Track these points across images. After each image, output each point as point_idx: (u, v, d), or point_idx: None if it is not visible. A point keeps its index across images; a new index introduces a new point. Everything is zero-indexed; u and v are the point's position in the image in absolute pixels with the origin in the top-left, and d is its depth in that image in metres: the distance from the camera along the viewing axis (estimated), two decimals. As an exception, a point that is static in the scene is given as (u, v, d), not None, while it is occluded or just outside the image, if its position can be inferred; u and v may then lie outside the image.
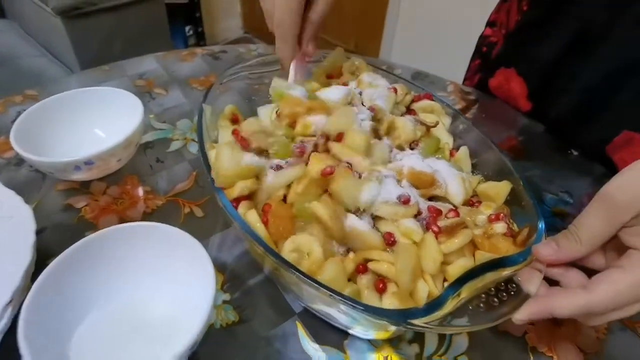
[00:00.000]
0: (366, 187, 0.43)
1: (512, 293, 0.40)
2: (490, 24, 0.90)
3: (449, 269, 0.43)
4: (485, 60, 0.90)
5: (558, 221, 0.63)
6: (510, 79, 0.82)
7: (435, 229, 0.43)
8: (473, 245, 0.45)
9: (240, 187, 0.45)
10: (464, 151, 0.57)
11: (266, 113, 0.58)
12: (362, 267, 0.42)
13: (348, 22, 2.36)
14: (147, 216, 0.58)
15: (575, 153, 0.75)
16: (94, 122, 0.65)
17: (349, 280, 0.42)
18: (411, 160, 0.48)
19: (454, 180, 0.49)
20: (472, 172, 0.57)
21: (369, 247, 0.42)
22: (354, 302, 0.36)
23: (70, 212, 0.57)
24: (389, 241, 0.42)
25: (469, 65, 0.97)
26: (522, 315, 0.38)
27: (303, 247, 0.42)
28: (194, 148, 0.69)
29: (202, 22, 2.79)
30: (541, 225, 0.45)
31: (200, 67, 0.89)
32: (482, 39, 0.92)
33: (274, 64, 0.66)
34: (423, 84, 0.91)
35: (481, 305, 0.39)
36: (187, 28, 2.75)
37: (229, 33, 3.14)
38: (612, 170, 0.72)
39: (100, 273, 0.45)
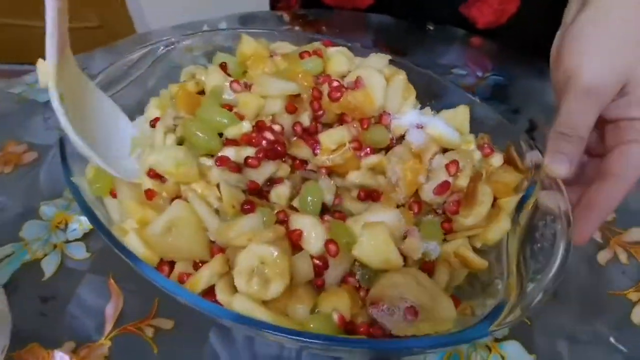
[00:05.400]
0: None
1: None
2: None
3: (487, 234, 0.39)
4: None
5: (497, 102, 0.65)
6: None
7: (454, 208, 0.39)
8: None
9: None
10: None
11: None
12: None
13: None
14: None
15: (431, 27, 0.78)
16: None
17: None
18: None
19: (440, 123, 0.44)
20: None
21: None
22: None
23: None
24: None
25: None
26: (582, 237, 0.37)
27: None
28: (77, 252, 0.47)
29: None
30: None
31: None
32: None
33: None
34: (256, 27, 0.80)
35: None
36: None
37: None
38: (469, 29, 0.77)
39: None
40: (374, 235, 0.34)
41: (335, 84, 0.45)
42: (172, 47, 0.55)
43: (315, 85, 0.46)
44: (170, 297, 0.41)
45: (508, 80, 0.69)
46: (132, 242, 0.36)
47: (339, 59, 0.50)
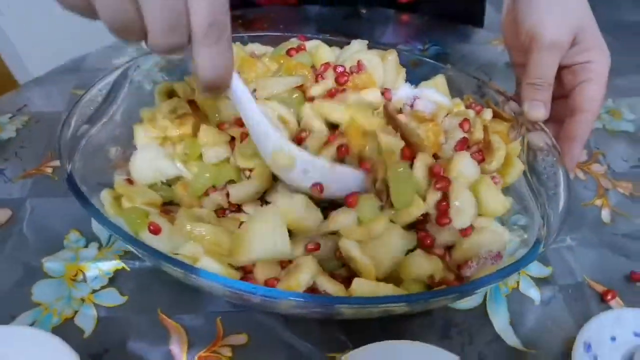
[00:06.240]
0: None
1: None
2: None
3: (505, 178, 0.46)
4: None
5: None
6: None
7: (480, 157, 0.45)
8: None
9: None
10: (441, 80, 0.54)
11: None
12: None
13: None
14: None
15: (364, 11, 0.83)
16: None
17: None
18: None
19: (432, 92, 0.50)
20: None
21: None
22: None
23: None
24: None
25: None
26: (572, 162, 0.46)
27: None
28: (111, 299, 0.43)
29: None
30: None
31: None
32: None
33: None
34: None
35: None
36: None
37: None
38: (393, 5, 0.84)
39: None
40: (488, 188, 0.40)
41: (340, 69, 0.47)
42: (137, 69, 0.52)
43: (317, 74, 0.48)
44: (233, 312, 0.41)
45: (445, 48, 0.78)
46: (209, 266, 0.35)
47: (323, 51, 0.53)
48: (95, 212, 0.38)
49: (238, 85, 0.36)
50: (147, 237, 0.40)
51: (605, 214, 0.55)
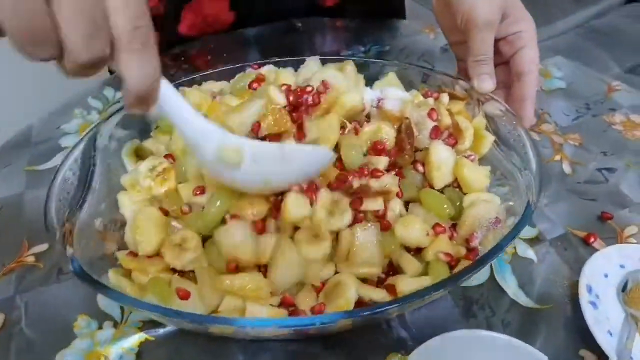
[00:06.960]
0: None
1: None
2: None
3: (479, 150, 0.51)
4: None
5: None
6: (202, 7, 0.78)
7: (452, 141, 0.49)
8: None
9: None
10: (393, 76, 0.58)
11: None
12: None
13: None
14: None
15: (299, 24, 0.85)
16: None
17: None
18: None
19: (393, 90, 0.53)
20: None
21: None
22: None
23: None
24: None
25: None
26: (529, 120, 0.52)
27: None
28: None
29: None
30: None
31: None
32: None
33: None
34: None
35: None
36: None
37: None
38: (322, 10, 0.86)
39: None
40: (468, 168, 0.45)
41: (309, 89, 0.48)
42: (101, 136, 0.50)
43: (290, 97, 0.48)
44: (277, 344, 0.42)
45: (383, 46, 0.81)
46: (258, 312, 0.35)
47: (285, 76, 0.54)
48: (121, 297, 0.36)
49: (167, 90, 0.34)
50: (177, 305, 0.39)
51: (566, 167, 0.61)
